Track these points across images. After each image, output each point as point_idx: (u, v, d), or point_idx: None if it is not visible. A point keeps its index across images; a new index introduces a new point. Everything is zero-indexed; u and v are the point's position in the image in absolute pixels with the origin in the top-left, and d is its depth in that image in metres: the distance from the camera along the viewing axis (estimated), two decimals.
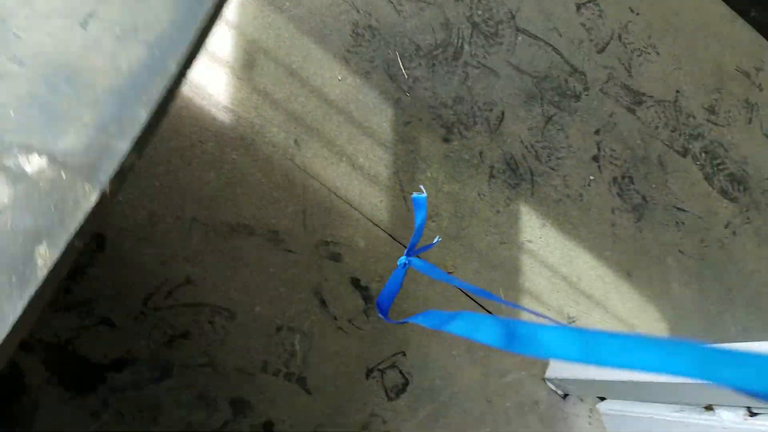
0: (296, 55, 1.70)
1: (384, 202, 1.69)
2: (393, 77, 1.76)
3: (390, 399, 1.50)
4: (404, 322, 1.09)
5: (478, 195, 1.70)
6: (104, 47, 0.67)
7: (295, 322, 1.45)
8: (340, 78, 1.73)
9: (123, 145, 0.63)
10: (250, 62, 1.67)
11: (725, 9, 1.89)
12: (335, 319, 1.54)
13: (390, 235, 1.64)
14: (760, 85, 1.90)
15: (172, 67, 0.68)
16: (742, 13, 1.89)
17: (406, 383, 1.52)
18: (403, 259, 1.11)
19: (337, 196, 1.65)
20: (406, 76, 1.78)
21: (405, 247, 1.65)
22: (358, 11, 1.77)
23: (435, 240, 1.21)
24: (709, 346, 0.45)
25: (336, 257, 1.56)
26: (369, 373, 1.50)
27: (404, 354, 1.54)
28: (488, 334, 0.64)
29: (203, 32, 0.72)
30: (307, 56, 1.71)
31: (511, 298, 1.62)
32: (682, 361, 0.44)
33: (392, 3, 1.80)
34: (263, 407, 1.37)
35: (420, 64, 1.79)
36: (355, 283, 1.57)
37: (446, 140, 1.76)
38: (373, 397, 1.49)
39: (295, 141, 1.66)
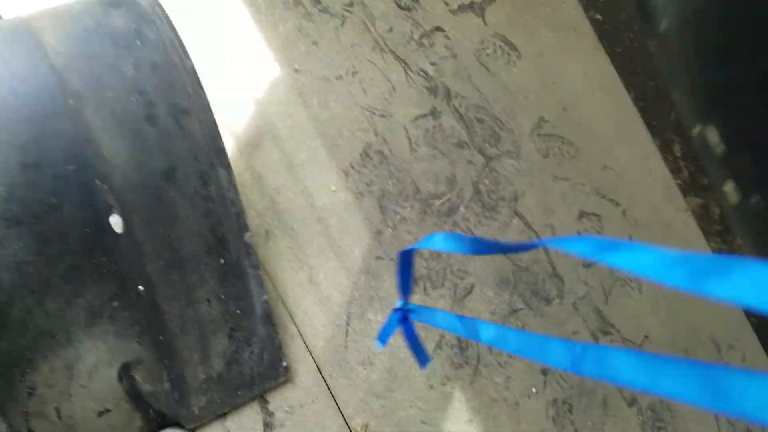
0: (302, 152, 1.67)
1: (325, 330, 1.60)
2: (383, 209, 1.73)
3: None
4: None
5: None
6: None
7: None
8: (333, 189, 1.70)
9: None
10: (257, 142, 1.63)
11: None
12: None
13: (317, 366, 1.53)
14: (726, 362, 1.88)
15: None
16: None
17: None
18: (400, 302, 0.90)
19: (284, 304, 1.56)
20: (395, 213, 1.75)
21: (325, 382, 1.54)
22: (376, 135, 1.76)
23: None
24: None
25: None
26: None
27: None
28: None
29: None
30: (312, 157, 1.68)
31: None
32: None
33: (410, 140, 1.80)
34: None
35: (412, 207, 1.76)
36: (262, 403, 1.45)
37: None
38: None
39: (266, 232, 1.60)
